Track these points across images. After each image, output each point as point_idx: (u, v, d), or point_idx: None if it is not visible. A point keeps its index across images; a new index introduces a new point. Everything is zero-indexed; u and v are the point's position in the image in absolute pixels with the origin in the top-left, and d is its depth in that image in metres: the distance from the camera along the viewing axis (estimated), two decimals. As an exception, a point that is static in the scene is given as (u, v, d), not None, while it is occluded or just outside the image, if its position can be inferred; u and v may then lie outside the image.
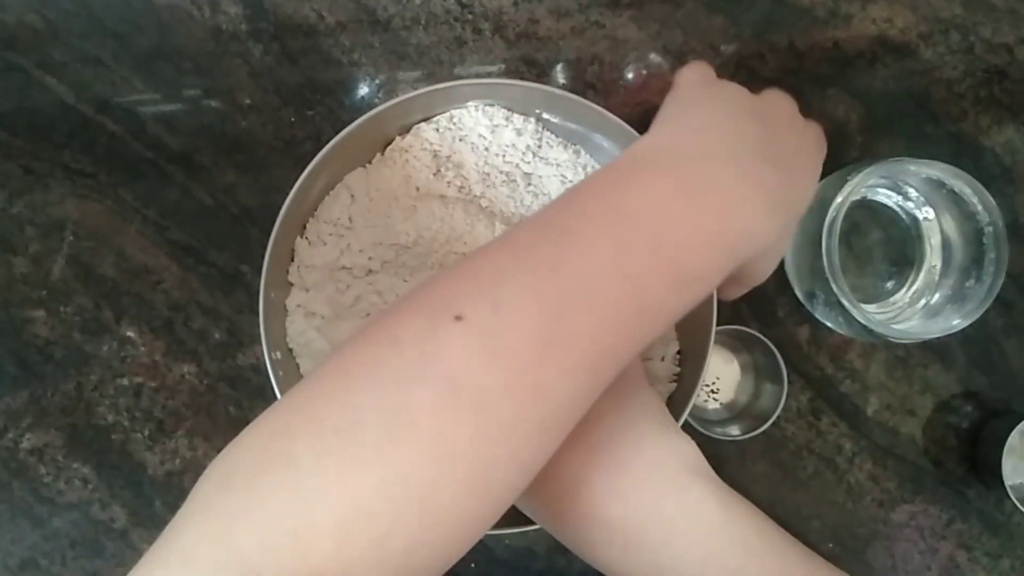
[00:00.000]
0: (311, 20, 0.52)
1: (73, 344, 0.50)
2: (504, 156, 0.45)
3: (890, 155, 0.47)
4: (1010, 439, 0.48)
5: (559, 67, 0.52)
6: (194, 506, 0.23)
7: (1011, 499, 0.48)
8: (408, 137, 0.45)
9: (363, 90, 0.52)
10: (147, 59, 0.51)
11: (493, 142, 0.44)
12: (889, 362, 0.52)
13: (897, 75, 0.53)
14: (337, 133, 0.41)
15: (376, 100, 0.52)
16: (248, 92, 0.51)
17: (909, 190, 0.50)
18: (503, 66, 0.52)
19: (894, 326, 0.47)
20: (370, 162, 0.45)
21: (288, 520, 0.22)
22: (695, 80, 0.35)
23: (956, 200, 0.47)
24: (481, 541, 0.52)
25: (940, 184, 0.47)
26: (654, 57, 0.53)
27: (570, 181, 0.45)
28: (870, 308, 0.50)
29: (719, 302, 0.43)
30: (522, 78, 0.51)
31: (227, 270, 0.50)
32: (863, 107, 0.53)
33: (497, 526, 0.42)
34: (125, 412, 0.50)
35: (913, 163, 0.45)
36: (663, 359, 0.46)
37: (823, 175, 0.48)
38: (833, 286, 0.44)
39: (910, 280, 0.50)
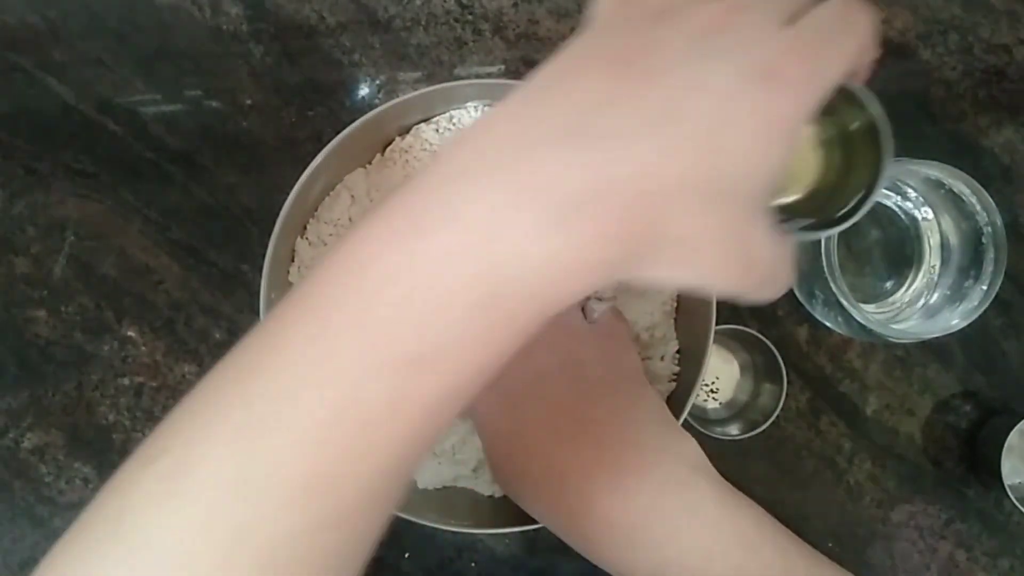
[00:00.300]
0: (312, 21, 0.52)
1: (74, 344, 0.50)
2: (504, 156, 0.45)
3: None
4: (1009, 439, 0.48)
5: (559, 68, 0.52)
6: None
7: (1010, 499, 0.48)
8: (408, 138, 0.45)
9: (363, 90, 0.52)
10: (148, 59, 0.51)
11: (492, 142, 0.45)
12: (888, 362, 0.52)
13: (896, 75, 0.53)
14: (337, 133, 0.41)
15: (376, 100, 0.52)
16: (249, 92, 0.51)
17: (908, 190, 0.50)
18: (503, 67, 0.52)
19: (893, 326, 0.47)
20: (370, 163, 0.45)
21: None
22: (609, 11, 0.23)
23: (955, 200, 0.47)
24: (482, 540, 0.53)
25: (939, 184, 0.47)
26: (654, 58, 0.53)
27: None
28: (869, 308, 0.50)
29: (719, 301, 0.43)
30: (522, 79, 0.51)
31: (228, 270, 0.50)
32: (862, 107, 0.53)
33: (497, 525, 0.43)
34: (126, 412, 0.50)
35: (912, 163, 0.45)
36: (663, 358, 0.46)
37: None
38: (832, 286, 0.44)
39: (909, 280, 0.50)
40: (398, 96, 0.42)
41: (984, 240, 0.45)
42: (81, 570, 0.20)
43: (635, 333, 0.45)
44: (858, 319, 0.44)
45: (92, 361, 0.50)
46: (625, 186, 0.19)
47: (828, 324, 0.49)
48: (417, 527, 0.41)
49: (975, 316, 0.45)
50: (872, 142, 0.28)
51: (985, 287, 0.45)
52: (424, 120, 0.45)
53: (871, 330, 0.45)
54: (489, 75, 0.52)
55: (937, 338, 0.46)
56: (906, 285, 0.50)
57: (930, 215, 0.49)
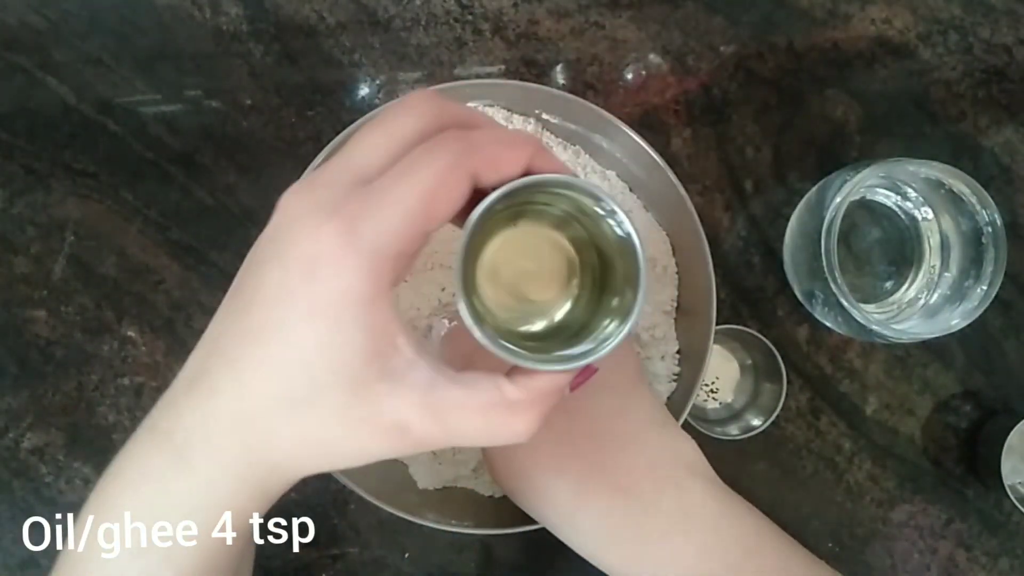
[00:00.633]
0: (312, 21, 0.52)
1: (74, 344, 0.50)
2: (504, 156, 0.45)
3: (889, 155, 0.47)
4: (1009, 439, 0.48)
5: (559, 68, 0.52)
6: None
7: (1010, 499, 0.48)
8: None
9: (364, 91, 0.52)
10: (148, 60, 0.51)
11: (493, 142, 0.45)
12: (888, 362, 0.52)
13: (896, 75, 0.53)
14: (338, 134, 0.41)
15: (376, 101, 0.52)
16: (249, 92, 0.51)
17: (908, 190, 0.50)
18: (503, 67, 0.52)
19: (893, 326, 0.47)
20: (371, 162, 0.45)
21: None
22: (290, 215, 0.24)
23: (955, 200, 0.47)
24: (481, 541, 0.53)
25: (939, 184, 0.47)
26: (653, 58, 0.53)
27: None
28: (869, 308, 0.50)
29: (718, 301, 0.43)
30: (522, 79, 0.52)
31: (228, 270, 0.50)
32: (862, 107, 0.53)
33: (498, 526, 0.43)
34: (126, 412, 0.50)
35: (912, 163, 0.45)
36: (663, 358, 0.46)
37: (822, 175, 0.48)
38: (832, 286, 0.44)
39: (909, 280, 0.50)
40: (398, 96, 0.42)
41: (984, 240, 0.45)
42: None
43: (635, 333, 0.45)
44: (858, 319, 0.44)
45: (92, 361, 0.50)
46: (219, 419, 0.23)
47: (828, 324, 0.49)
48: (417, 527, 0.41)
49: (975, 316, 0.45)
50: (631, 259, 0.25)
51: (985, 287, 0.45)
52: None
53: (871, 330, 0.45)
54: (489, 75, 0.52)
55: (937, 338, 0.46)
56: (906, 285, 0.50)
57: (930, 215, 0.49)
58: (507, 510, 0.44)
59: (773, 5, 0.53)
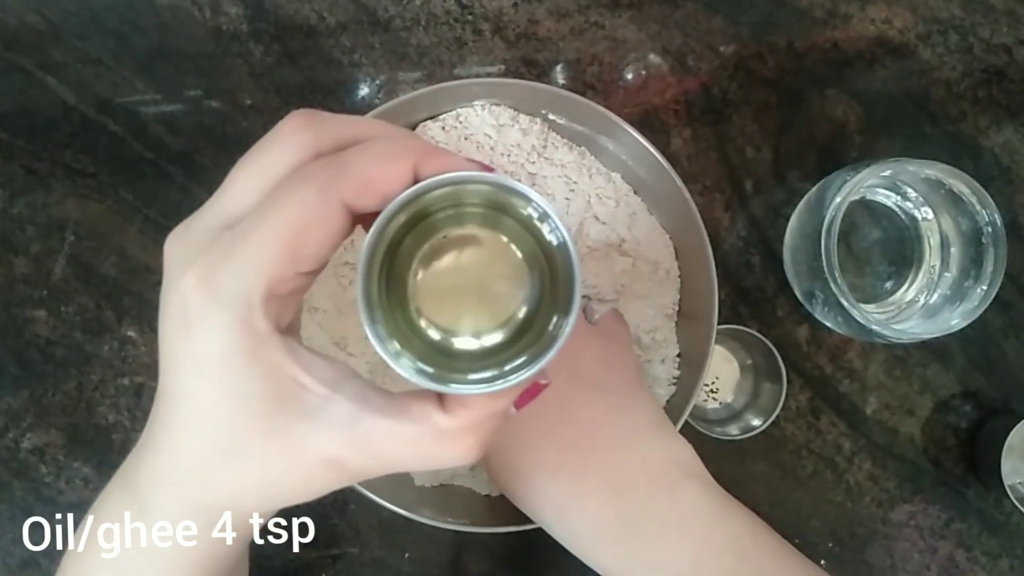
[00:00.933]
0: (311, 21, 0.52)
1: (74, 344, 0.50)
2: (509, 156, 0.45)
3: (889, 155, 0.47)
4: (1009, 439, 0.48)
5: (559, 68, 0.52)
6: None
7: (1010, 499, 0.48)
8: (412, 136, 0.45)
9: (364, 90, 0.52)
10: (148, 60, 0.51)
11: (499, 141, 0.44)
12: (888, 362, 0.52)
13: (896, 76, 0.53)
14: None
15: (376, 100, 0.52)
16: (249, 92, 0.51)
17: (908, 190, 0.50)
18: (503, 67, 0.52)
19: (893, 326, 0.47)
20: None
21: None
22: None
23: (955, 200, 0.47)
24: (481, 540, 0.53)
25: (939, 184, 0.47)
26: (653, 58, 0.53)
27: (574, 182, 0.45)
28: (869, 308, 0.50)
29: (718, 301, 0.43)
30: (522, 79, 0.52)
31: (228, 270, 0.50)
32: (862, 107, 0.53)
33: (496, 524, 0.43)
34: (126, 412, 0.50)
35: (912, 163, 0.45)
36: (663, 361, 0.46)
37: (822, 175, 0.48)
38: (832, 286, 0.44)
39: (909, 280, 0.50)
40: (398, 96, 0.42)
41: (984, 240, 0.45)
42: None
43: (636, 336, 0.45)
44: (858, 319, 0.44)
45: (92, 361, 0.50)
46: (163, 474, 0.24)
47: (828, 324, 0.49)
48: (417, 527, 0.41)
49: (975, 316, 0.45)
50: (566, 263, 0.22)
51: (985, 287, 0.45)
52: (430, 118, 0.45)
53: (871, 330, 0.45)
54: (489, 75, 0.52)
55: (937, 338, 0.46)
56: (906, 285, 0.50)
57: (930, 215, 0.49)
58: (505, 509, 0.44)
59: (773, 5, 0.53)
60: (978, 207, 0.45)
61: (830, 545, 0.52)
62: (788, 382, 0.48)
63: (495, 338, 0.24)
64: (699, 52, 0.53)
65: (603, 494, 0.31)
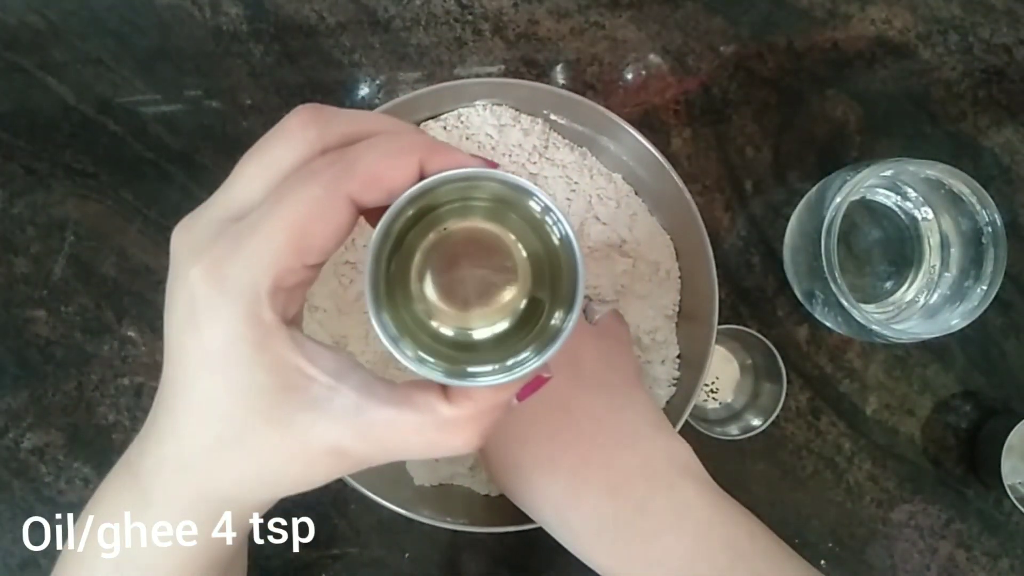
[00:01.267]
0: (311, 21, 0.52)
1: (74, 344, 0.50)
2: (510, 156, 0.45)
3: (889, 155, 0.47)
4: (1009, 439, 0.48)
5: (559, 68, 0.52)
6: None
7: (1010, 499, 0.48)
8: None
9: (363, 90, 0.52)
10: (148, 60, 0.51)
11: (500, 141, 0.44)
12: (888, 362, 0.52)
13: (896, 76, 0.53)
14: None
15: (376, 101, 0.52)
16: (249, 92, 0.51)
17: (908, 190, 0.50)
18: (503, 67, 0.52)
19: (893, 326, 0.47)
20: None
21: None
22: None
23: (955, 200, 0.47)
24: (481, 540, 0.53)
25: (939, 184, 0.47)
26: (653, 58, 0.53)
27: (575, 183, 0.45)
28: (869, 308, 0.50)
29: (719, 302, 0.43)
30: (522, 79, 0.52)
31: (228, 270, 0.50)
32: (862, 107, 0.53)
33: (495, 524, 0.43)
34: (126, 412, 0.50)
35: (912, 163, 0.45)
36: (663, 362, 0.46)
37: (822, 175, 0.48)
38: (832, 286, 0.44)
39: (909, 280, 0.50)
40: (398, 96, 0.42)
41: (984, 240, 0.45)
42: None
43: (636, 336, 0.45)
44: (858, 319, 0.44)
45: (92, 361, 0.50)
46: (167, 464, 0.24)
47: (828, 324, 0.49)
48: (417, 527, 0.41)
49: (975, 316, 0.45)
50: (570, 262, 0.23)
51: (985, 287, 0.45)
52: (432, 117, 0.45)
53: (871, 330, 0.45)
54: (489, 75, 0.52)
55: (937, 338, 0.46)
56: (906, 285, 0.50)
57: (930, 215, 0.49)
58: (504, 509, 0.44)
59: (773, 5, 0.53)
60: (978, 207, 0.45)
61: (830, 545, 0.52)
62: (788, 382, 0.48)
63: (497, 330, 0.25)
64: (699, 52, 0.53)
65: (601, 492, 0.31)
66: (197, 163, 0.51)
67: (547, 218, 0.23)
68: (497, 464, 0.35)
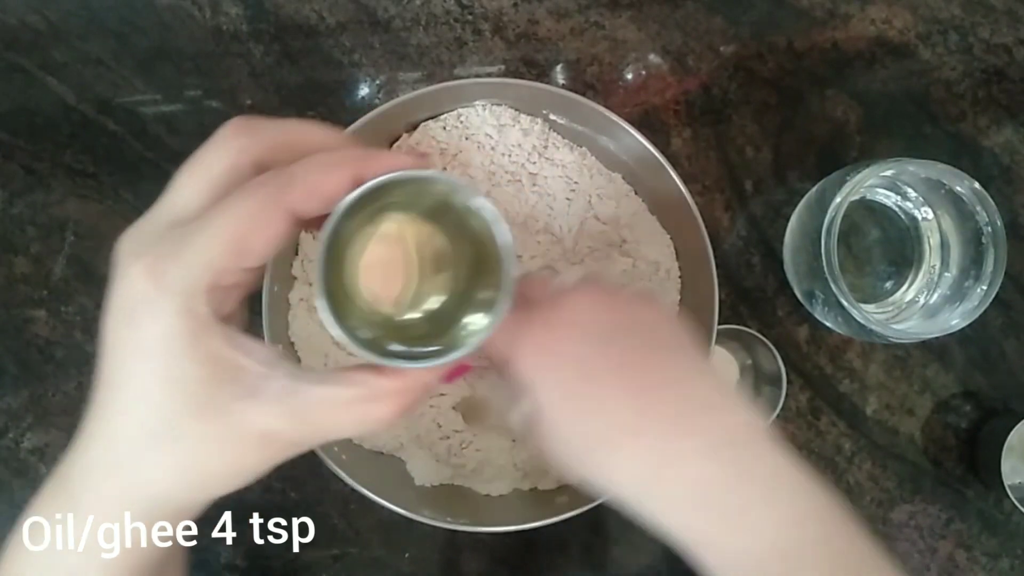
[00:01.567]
0: (312, 21, 0.52)
1: (74, 344, 0.50)
2: (510, 156, 0.45)
3: (889, 155, 0.47)
4: (1009, 439, 0.48)
5: (559, 68, 0.52)
6: None
7: (1010, 498, 0.48)
8: (415, 134, 0.45)
9: (363, 90, 0.52)
10: (148, 60, 0.51)
11: (500, 141, 0.45)
12: (888, 362, 0.52)
13: (896, 76, 0.53)
14: (338, 133, 0.41)
15: (376, 101, 0.52)
16: (249, 93, 0.51)
17: (908, 190, 0.50)
18: (503, 67, 0.52)
19: (893, 326, 0.47)
20: (374, 160, 0.45)
21: None
22: None
23: (955, 200, 0.47)
24: (482, 540, 0.53)
25: (939, 184, 0.47)
26: (653, 58, 0.53)
27: (575, 182, 0.45)
28: (869, 308, 0.50)
29: (719, 300, 0.43)
30: (522, 79, 0.52)
31: (228, 270, 0.50)
32: (862, 107, 0.53)
33: (495, 524, 0.43)
34: (126, 412, 0.50)
35: (912, 163, 0.45)
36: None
37: (822, 175, 0.48)
38: (832, 286, 0.44)
39: (909, 280, 0.50)
40: (398, 96, 0.42)
41: (984, 240, 0.45)
42: None
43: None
44: (858, 319, 0.44)
45: (92, 361, 0.50)
46: (96, 467, 0.25)
47: (828, 324, 0.49)
48: (417, 527, 0.41)
49: (975, 316, 0.45)
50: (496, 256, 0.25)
51: (985, 287, 0.45)
52: (431, 117, 0.45)
53: (871, 330, 0.45)
54: (489, 75, 0.52)
55: (937, 338, 0.46)
56: (906, 285, 0.50)
57: (930, 215, 0.49)
58: (504, 508, 0.44)
59: (773, 5, 0.53)
60: (978, 207, 0.45)
61: (830, 545, 0.52)
62: (788, 382, 0.48)
63: (437, 315, 0.27)
64: (699, 52, 0.53)
65: (700, 458, 0.30)
66: (197, 163, 0.51)
67: (478, 209, 0.25)
68: (566, 437, 0.32)
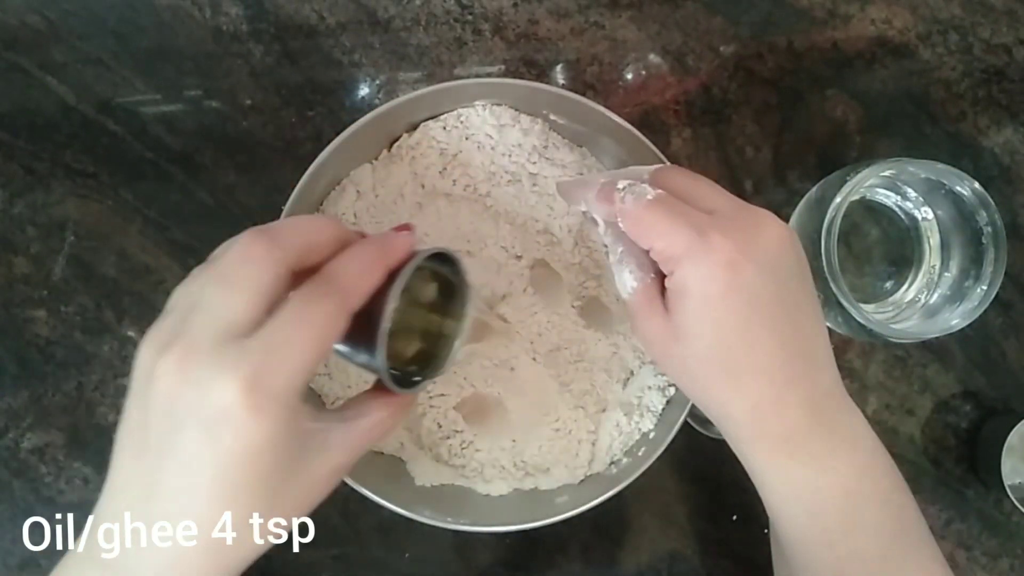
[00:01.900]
0: (312, 21, 0.52)
1: (74, 344, 0.50)
2: (510, 156, 0.45)
3: (889, 155, 0.47)
4: (1009, 439, 0.48)
5: (559, 68, 0.52)
6: None
7: (1010, 499, 0.48)
8: (415, 134, 0.45)
9: (363, 90, 0.52)
10: (148, 59, 0.51)
11: (500, 141, 0.44)
12: (888, 362, 0.52)
13: (896, 76, 0.53)
14: (338, 134, 0.41)
15: (376, 101, 0.52)
16: (249, 93, 0.51)
17: (908, 190, 0.50)
18: (503, 67, 0.52)
19: (893, 326, 0.47)
20: (376, 158, 0.45)
21: None
22: None
23: (955, 200, 0.47)
24: (481, 540, 0.53)
25: (939, 184, 0.47)
26: (653, 58, 0.53)
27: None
28: (869, 308, 0.50)
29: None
30: (522, 79, 0.52)
31: (228, 270, 0.50)
32: (862, 107, 0.53)
33: (495, 525, 0.43)
34: (126, 412, 0.50)
35: (912, 163, 0.45)
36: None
37: (822, 175, 0.48)
38: (832, 286, 0.44)
39: (909, 280, 0.50)
40: (398, 96, 0.42)
41: (984, 240, 0.45)
42: None
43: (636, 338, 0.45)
44: (858, 319, 0.44)
45: (92, 361, 0.50)
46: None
47: (828, 324, 0.49)
48: (417, 527, 0.41)
49: (975, 316, 0.45)
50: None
51: (985, 287, 0.45)
52: (431, 117, 0.45)
53: (871, 330, 0.45)
54: (489, 75, 0.52)
55: (937, 338, 0.46)
56: (906, 285, 0.50)
57: (930, 215, 0.49)
58: (503, 509, 0.44)
59: (773, 5, 0.53)
60: (978, 207, 0.45)
61: (830, 545, 0.51)
62: (788, 382, 0.48)
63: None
64: (699, 52, 0.53)
65: (804, 407, 0.32)
66: (197, 163, 0.51)
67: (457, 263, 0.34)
68: (703, 360, 0.33)
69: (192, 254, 0.51)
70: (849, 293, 0.44)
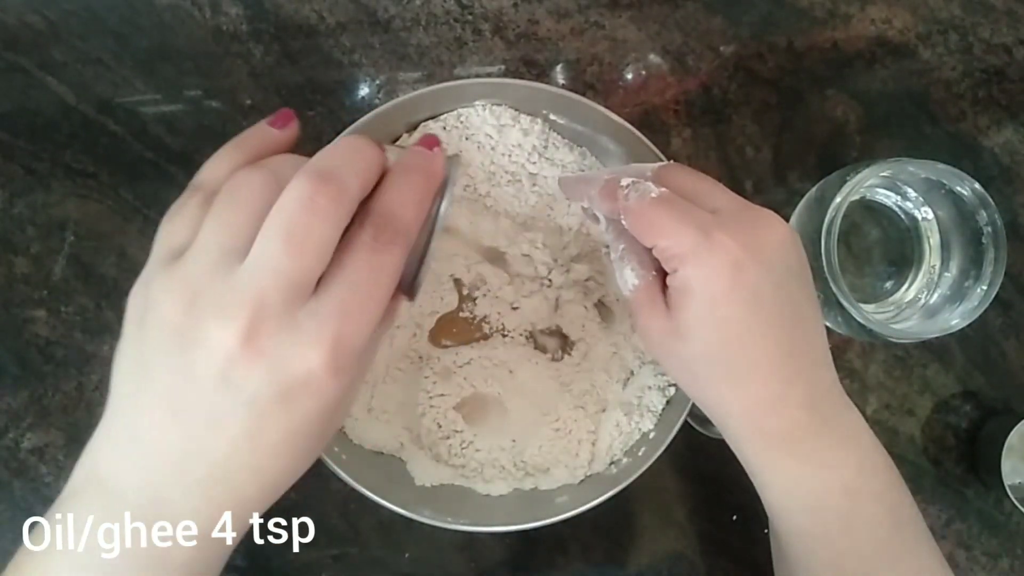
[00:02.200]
0: (312, 21, 0.52)
1: (74, 344, 0.50)
2: (510, 156, 0.45)
3: (889, 155, 0.47)
4: (1009, 439, 0.48)
5: (559, 68, 0.52)
6: None
7: (1010, 499, 0.48)
8: (415, 134, 0.45)
9: (364, 91, 0.52)
10: (148, 59, 0.51)
11: (499, 142, 0.44)
12: (888, 362, 0.52)
13: (896, 75, 0.53)
14: (338, 134, 0.41)
15: (376, 101, 0.52)
16: (249, 93, 0.51)
17: (908, 190, 0.50)
18: (503, 67, 0.52)
19: (893, 326, 0.47)
20: (374, 160, 0.45)
21: None
22: None
23: (955, 200, 0.47)
24: (481, 540, 0.53)
25: (939, 184, 0.47)
26: (653, 58, 0.53)
27: (575, 182, 0.46)
28: (869, 308, 0.50)
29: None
30: (522, 79, 0.52)
31: (228, 270, 0.50)
32: (862, 107, 0.53)
33: (496, 525, 0.43)
34: (126, 412, 0.50)
35: (912, 163, 0.45)
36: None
37: (822, 175, 0.48)
38: (832, 286, 0.44)
39: (909, 280, 0.50)
40: (398, 96, 0.42)
41: (984, 240, 0.45)
42: None
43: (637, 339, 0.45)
44: (858, 319, 0.44)
45: (92, 361, 0.50)
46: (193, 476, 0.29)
47: (828, 324, 0.49)
48: (417, 527, 0.41)
49: (975, 316, 0.45)
50: None
51: (985, 287, 0.45)
52: (431, 118, 0.45)
53: (871, 330, 0.45)
54: (489, 75, 0.52)
55: (937, 338, 0.46)
56: (906, 285, 0.50)
57: (930, 215, 0.49)
58: (503, 509, 0.44)
59: (773, 5, 0.53)
60: (978, 207, 0.45)
61: (830, 545, 0.52)
62: (788, 382, 0.48)
63: None
64: (699, 52, 0.53)
65: (803, 405, 0.33)
66: (197, 163, 0.50)
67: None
68: (702, 359, 0.33)
69: (192, 254, 0.51)
70: (849, 293, 0.44)
